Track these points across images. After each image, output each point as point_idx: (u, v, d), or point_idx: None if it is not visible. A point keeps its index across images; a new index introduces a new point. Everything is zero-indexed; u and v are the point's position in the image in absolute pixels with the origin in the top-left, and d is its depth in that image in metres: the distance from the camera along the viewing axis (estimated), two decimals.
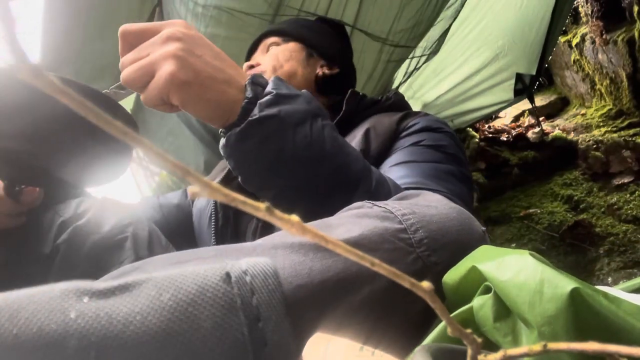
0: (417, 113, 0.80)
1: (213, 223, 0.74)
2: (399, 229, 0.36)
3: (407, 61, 1.71)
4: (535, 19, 1.71)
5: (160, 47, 0.45)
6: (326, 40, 0.94)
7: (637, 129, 1.90)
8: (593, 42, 2.08)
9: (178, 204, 0.85)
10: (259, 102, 0.48)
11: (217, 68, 0.47)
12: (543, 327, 0.24)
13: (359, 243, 0.34)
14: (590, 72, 2.19)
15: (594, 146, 1.88)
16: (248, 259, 0.29)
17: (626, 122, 1.98)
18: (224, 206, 0.74)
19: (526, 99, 1.97)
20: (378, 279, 0.32)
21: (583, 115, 2.25)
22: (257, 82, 0.50)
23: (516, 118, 2.46)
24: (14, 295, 0.24)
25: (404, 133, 0.74)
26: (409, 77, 1.81)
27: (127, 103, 1.44)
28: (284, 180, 0.50)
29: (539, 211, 1.73)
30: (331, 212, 0.41)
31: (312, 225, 0.38)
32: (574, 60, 2.28)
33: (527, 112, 2.40)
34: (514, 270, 0.27)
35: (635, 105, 1.97)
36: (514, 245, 1.64)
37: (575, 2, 1.98)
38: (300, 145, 0.49)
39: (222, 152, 0.50)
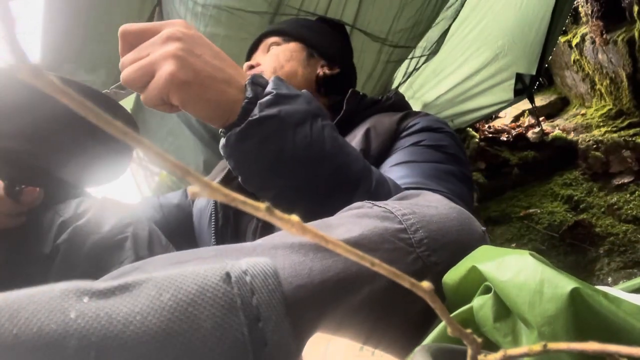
0: (417, 113, 0.80)
1: (213, 223, 0.74)
2: (399, 229, 0.36)
3: (407, 61, 1.71)
4: (535, 19, 1.71)
5: (160, 47, 0.45)
6: (326, 40, 0.94)
7: (637, 129, 1.90)
8: (593, 42, 2.08)
9: (178, 204, 0.85)
10: (259, 102, 0.48)
11: (217, 68, 0.47)
12: (543, 327, 0.24)
13: (359, 243, 0.34)
14: (590, 72, 2.19)
15: (594, 146, 1.88)
16: (248, 259, 0.29)
17: (626, 122, 1.98)
18: (224, 206, 0.74)
19: (526, 99, 1.97)
20: (378, 279, 0.32)
21: (583, 115, 2.25)
22: (257, 82, 0.50)
23: (516, 118, 2.46)
24: (14, 295, 0.24)
25: (405, 133, 0.74)
26: (408, 77, 1.81)
27: (127, 103, 1.44)
28: (284, 180, 0.50)
29: (539, 211, 1.73)
30: (331, 212, 0.41)
31: (312, 225, 0.38)
32: (574, 60, 2.28)
33: (527, 112, 2.40)
34: (514, 270, 0.27)
35: (635, 105, 1.97)
36: (514, 245, 1.64)
37: (575, 2, 1.98)
38: (300, 145, 0.49)
39: (222, 152, 0.50)
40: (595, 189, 1.75)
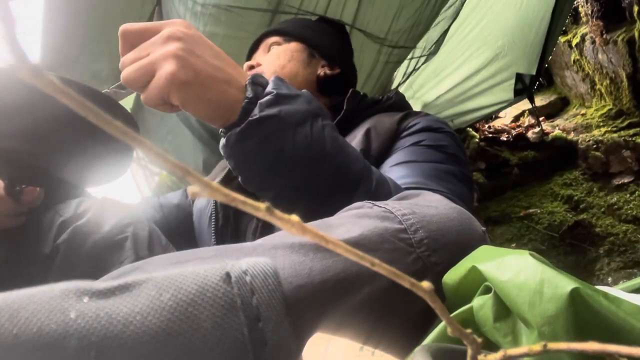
0: (417, 113, 0.80)
1: (213, 223, 0.74)
2: (399, 229, 0.36)
3: (407, 61, 1.71)
4: (535, 19, 1.71)
5: (161, 47, 0.45)
6: (327, 40, 0.94)
7: (637, 129, 1.90)
8: (593, 42, 2.08)
9: (178, 204, 0.85)
10: (259, 102, 0.48)
11: (218, 68, 0.47)
12: (543, 327, 0.24)
13: (359, 243, 0.34)
14: (590, 72, 2.19)
15: (594, 146, 1.88)
16: (248, 259, 0.29)
17: (626, 122, 1.98)
18: (224, 206, 0.74)
19: (526, 99, 1.97)
20: (378, 279, 0.32)
21: (583, 115, 2.25)
22: (258, 82, 0.50)
23: (516, 118, 2.46)
24: (14, 295, 0.24)
25: (405, 133, 0.74)
26: (407, 77, 1.81)
27: (127, 103, 1.45)
28: (284, 180, 0.50)
29: (539, 211, 1.73)
30: (331, 212, 0.41)
31: (312, 225, 0.38)
32: (574, 60, 2.28)
33: (527, 112, 2.40)
34: (514, 270, 0.27)
35: (635, 105, 1.97)
36: (514, 245, 1.64)
37: (575, 2, 1.98)
38: (300, 145, 0.49)
39: (222, 152, 0.50)
40: (595, 189, 1.75)
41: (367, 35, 1.43)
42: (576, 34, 2.22)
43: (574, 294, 0.24)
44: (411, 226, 0.36)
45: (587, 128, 2.12)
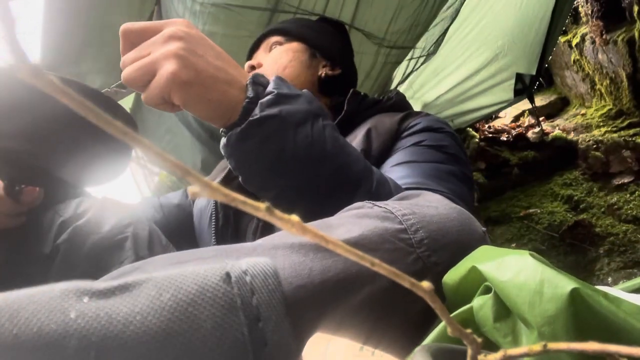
0: (418, 113, 0.80)
1: (213, 223, 0.74)
2: (399, 229, 0.36)
3: (406, 62, 1.71)
4: (535, 19, 1.71)
5: (162, 46, 0.45)
6: (328, 40, 0.94)
7: (637, 129, 1.90)
8: (593, 42, 2.08)
9: (179, 204, 0.85)
10: (260, 101, 0.48)
11: (219, 68, 0.47)
12: (543, 327, 0.24)
13: (359, 243, 0.34)
14: (590, 72, 2.19)
15: (594, 146, 1.88)
16: (248, 259, 0.29)
17: (626, 122, 1.98)
18: (224, 206, 0.74)
19: (526, 99, 1.97)
20: (378, 279, 0.32)
21: (583, 115, 2.25)
22: (258, 82, 0.50)
23: (516, 118, 2.46)
24: (14, 295, 0.24)
25: (405, 133, 0.74)
26: (406, 78, 1.81)
27: (127, 102, 1.45)
28: (285, 180, 0.50)
29: (539, 211, 1.73)
30: (332, 212, 0.41)
31: (313, 225, 0.38)
32: (574, 60, 2.28)
33: (527, 112, 2.41)
34: (514, 270, 0.27)
35: (635, 105, 1.97)
36: (514, 245, 1.64)
37: (575, 2, 1.98)
38: (301, 145, 0.49)
39: (222, 152, 0.50)
40: (595, 189, 1.75)
41: (366, 35, 1.43)
42: (576, 34, 2.22)
43: (574, 294, 0.24)
44: (411, 226, 0.36)
45: (587, 128, 2.12)
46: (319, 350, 0.26)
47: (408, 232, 0.36)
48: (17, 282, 0.55)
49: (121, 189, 1.74)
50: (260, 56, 0.90)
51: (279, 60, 0.85)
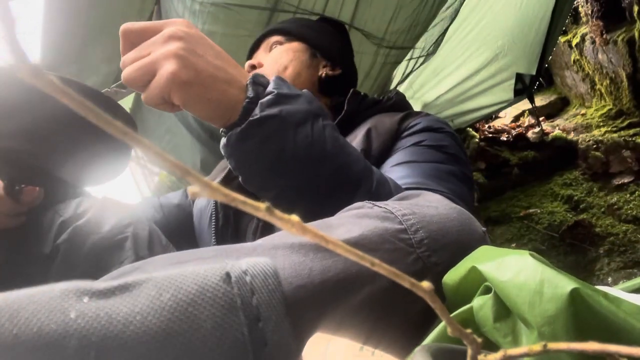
0: (418, 113, 0.80)
1: (213, 223, 0.74)
2: (399, 230, 0.36)
3: (406, 62, 1.72)
4: (535, 19, 1.71)
5: (162, 46, 0.45)
6: (328, 40, 0.94)
7: (637, 129, 1.91)
8: (593, 42, 2.09)
9: (179, 204, 0.85)
10: (260, 101, 0.48)
11: (219, 67, 0.47)
12: (543, 327, 0.24)
13: (359, 243, 0.34)
14: (590, 72, 2.19)
15: (594, 146, 1.88)
16: (248, 259, 0.29)
17: (626, 122, 1.98)
18: (224, 206, 0.74)
19: (526, 99, 1.97)
20: (378, 279, 0.32)
21: (583, 115, 2.25)
22: (258, 82, 0.50)
23: (516, 118, 2.46)
24: (14, 295, 0.24)
25: (405, 133, 0.74)
26: (405, 78, 1.81)
27: (126, 102, 1.45)
28: (285, 180, 0.50)
29: (539, 211, 1.73)
30: (332, 212, 0.41)
31: (313, 225, 0.38)
32: (574, 60, 2.28)
33: (527, 112, 2.41)
34: (514, 270, 0.27)
35: (635, 105, 1.97)
36: (514, 245, 1.64)
37: (575, 2, 1.98)
38: (301, 145, 0.49)
39: (222, 152, 0.50)
40: (595, 189, 1.75)
41: (365, 35, 1.43)
42: (576, 34, 2.22)
43: (574, 294, 0.24)
44: (411, 226, 0.36)
45: (587, 128, 2.12)
46: (319, 350, 0.26)
47: (408, 232, 0.36)
48: (17, 282, 0.55)
49: (121, 189, 1.74)
50: (261, 56, 0.90)
51: (279, 60, 0.84)
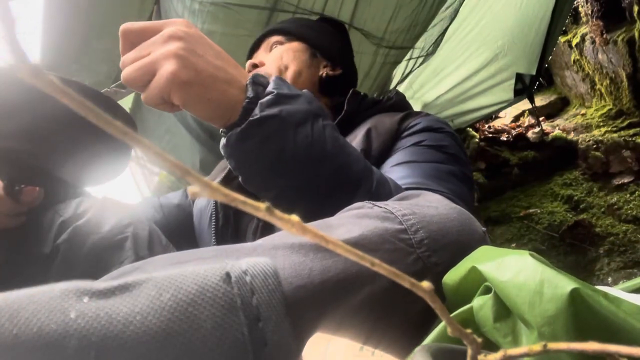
0: (418, 113, 0.80)
1: (213, 223, 0.74)
2: (400, 230, 0.36)
3: (405, 62, 1.72)
4: (535, 19, 1.71)
5: (162, 46, 0.45)
6: (328, 40, 0.94)
7: (637, 129, 1.91)
8: (593, 42, 2.09)
9: (179, 204, 0.85)
10: (260, 102, 0.47)
11: (219, 67, 0.47)
12: (543, 327, 0.24)
13: (359, 243, 0.34)
14: (590, 72, 2.19)
15: (594, 146, 1.88)
16: (248, 259, 0.29)
17: (626, 122, 1.98)
18: (224, 206, 0.74)
19: (526, 99, 1.97)
20: (378, 279, 0.32)
21: (583, 115, 2.25)
22: (258, 82, 0.50)
23: (516, 118, 2.46)
24: (14, 295, 0.24)
25: (405, 133, 0.74)
26: (405, 78, 1.81)
27: (127, 102, 1.45)
28: (285, 180, 0.50)
29: (539, 211, 1.73)
30: (332, 212, 0.41)
31: (313, 225, 0.38)
32: (574, 60, 2.28)
33: (527, 112, 2.41)
34: (514, 270, 0.27)
35: (635, 105, 1.97)
36: (514, 245, 1.64)
37: (575, 2, 1.98)
38: (301, 145, 0.49)
39: (222, 152, 0.50)
40: (595, 189, 1.75)
41: (365, 35, 1.43)
42: (576, 34, 2.22)
43: (574, 294, 0.24)
44: (411, 226, 0.36)
45: (587, 128, 2.12)
46: (319, 350, 0.26)
47: (408, 233, 0.36)
48: (17, 282, 0.55)
49: (121, 189, 1.74)
50: (261, 56, 0.90)
51: (280, 59, 0.84)
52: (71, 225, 0.60)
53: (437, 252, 0.36)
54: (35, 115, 0.49)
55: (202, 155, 1.55)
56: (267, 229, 0.69)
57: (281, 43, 0.89)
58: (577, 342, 0.16)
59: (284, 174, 0.50)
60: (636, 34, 1.84)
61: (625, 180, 1.71)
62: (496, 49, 1.82)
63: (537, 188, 1.87)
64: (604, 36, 1.99)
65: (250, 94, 0.48)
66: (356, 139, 0.73)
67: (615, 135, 1.92)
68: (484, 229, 0.42)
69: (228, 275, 0.27)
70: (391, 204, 0.39)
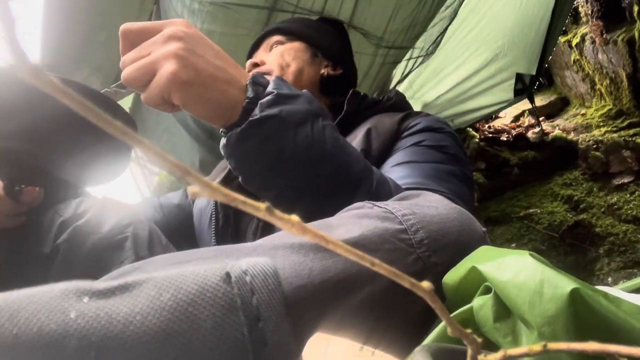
0: (418, 113, 0.80)
1: (213, 223, 0.74)
2: (400, 230, 0.36)
3: (405, 62, 1.72)
4: (535, 19, 1.71)
5: (162, 46, 0.45)
6: (328, 39, 0.94)
7: (637, 129, 1.91)
8: (593, 42, 2.09)
9: (179, 204, 0.85)
10: (260, 102, 0.48)
11: (219, 67, 0.47)
12: (543, 327, 0.24)
13: (359, 243, 0.34)
14: (590, 72, 2.19)
15: (594, 146, 1.88)
16: (248, 259, 0.29)
17: (626, 122, 1.98)
18: (224, 206, 0.74)
19: (526, 99, 1.97)
20: (378, 279, 0.32)
21: (583, 115, 2.25)
22: (258, 82, 0.50)
23: (516, 118, 2.46)
24: (14, 295, 0.24)
25: (405, 133, 0.74)
26: (404, 78, 1.81)
27: (126, 102, 1.45)
28: (285, 180, 0.50)
29: (539, 211, 1.73)
30: (332, 212, 0.41)
31: (313, 225, 0.38)
32: (574, 60, 2.28)
33: (527, 112, 2.41)
34: (514, 270, 0.27)
35: (635, 105, 1.97)
36: (514, 245, 1.64)
37: (575, 2, 1.98)
38: (301, 145, 0.49)
39: (222, 152, 0.50)
40: (595, 189, 1.75)
41: (364, 35, 1.43)
42: (576, 34, 2.22)
43: (574, 294, 0.24)
44: (411, 226, 0.36)
45: (587, 128, 2.12)
46: (319, 350, 0.26)
47: (408, 233, 0.36)
48: (17, 282, 0.55)
49: (121, 189, 1.74)
50: (261, 55, 0.90)
51: (281, 59, 0.84)
52: (71, 225, 0.60)
53: (437, 252, 0.36)
54: (35, 115, 0.49)
55: (201, 155, 1.55)
56: (267, 229, 0.69)
57: (282, 43, 0.89)
58: (577, 342, 0.16)
59: (284, 174, 0.50)
60: (636, 34, 1.84)
61: (625, 180, 1.71)
62: (496, 49, 1.83)
63: (537, 188, 1.87)
64: (604, 36, 1.99)
65: (250, 94, 0.48)
66: (356, 139, 0.72)
67: (615, 135, 1.92)
68: (484, 229, 0.42)
69: (228, 275, 0.27)
70: (391, 204, 0.39)
